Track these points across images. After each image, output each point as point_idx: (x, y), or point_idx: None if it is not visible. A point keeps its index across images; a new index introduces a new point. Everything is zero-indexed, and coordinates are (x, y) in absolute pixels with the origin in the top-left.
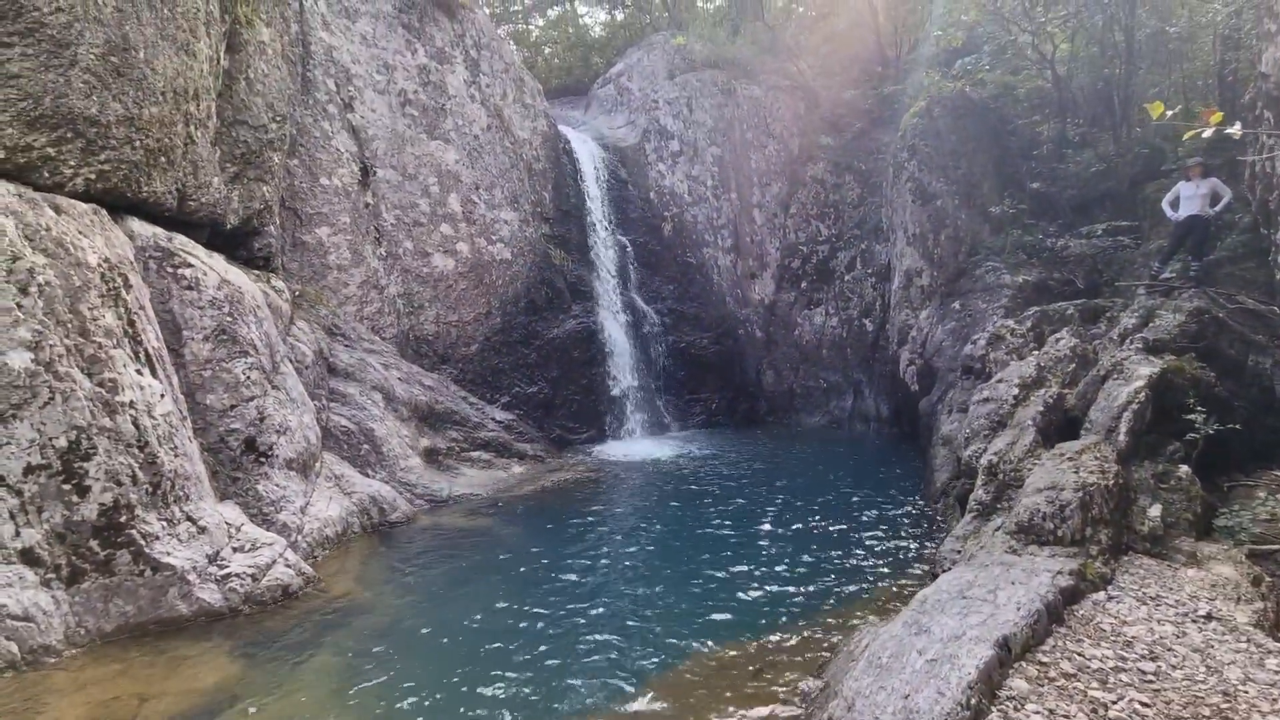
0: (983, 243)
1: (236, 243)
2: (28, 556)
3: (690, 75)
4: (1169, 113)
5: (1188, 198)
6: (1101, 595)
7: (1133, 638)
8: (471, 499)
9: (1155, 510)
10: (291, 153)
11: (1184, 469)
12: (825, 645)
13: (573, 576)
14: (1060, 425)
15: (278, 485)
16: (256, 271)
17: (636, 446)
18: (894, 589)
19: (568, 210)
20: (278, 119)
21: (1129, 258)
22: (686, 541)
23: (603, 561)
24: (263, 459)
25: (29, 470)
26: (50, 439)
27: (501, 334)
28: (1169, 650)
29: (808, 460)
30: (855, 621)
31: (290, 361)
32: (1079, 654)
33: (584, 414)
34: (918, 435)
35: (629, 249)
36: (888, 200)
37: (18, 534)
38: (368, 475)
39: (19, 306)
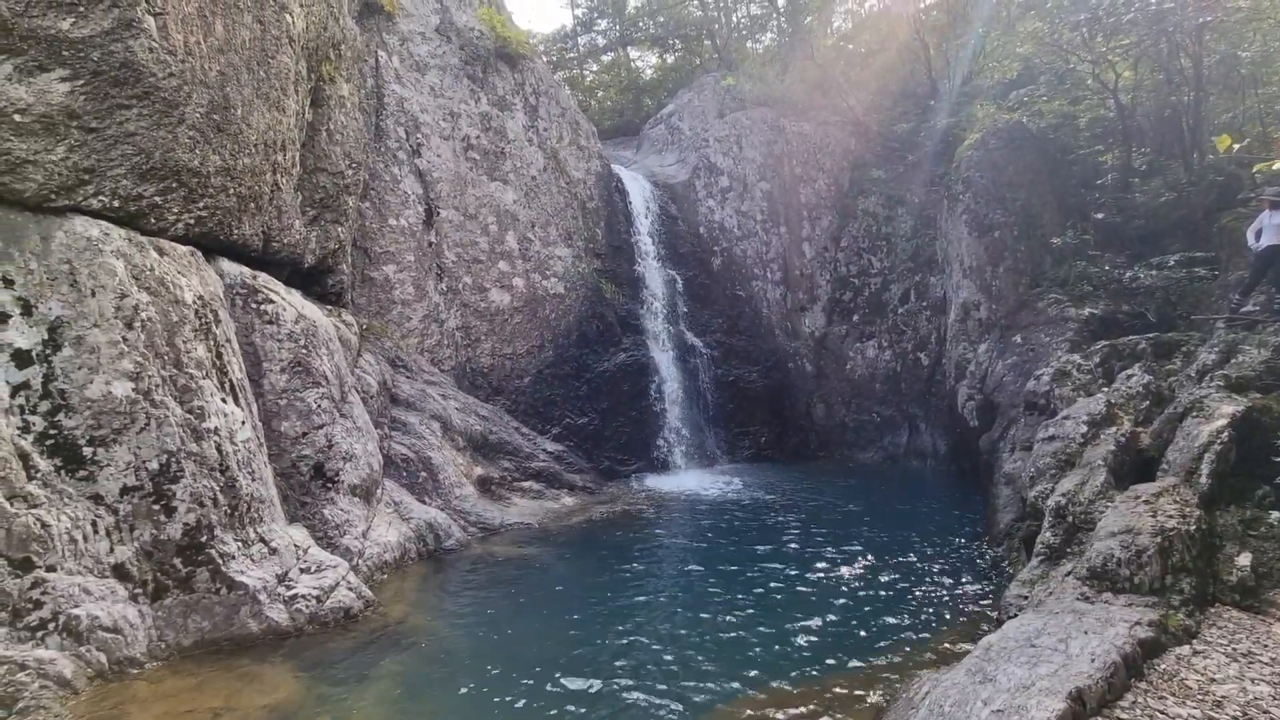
0: (1044, 275)
1: (312, 280)
2: (119, 572)
3: (740, 114)
4: (1236, 146)
5: (1269, 227)
6: (1186, 649)
7: (1223, 697)
8: (522, 529)
9: (1245, 559)
10: (363, 196)
11: (1275, 515)
12: (883, 691)
13: (621, 610)
14: (1133, 466)
15: (342, 510)
16: (329, 306)
17: (685, 479)
18: (954, 634)
19: (619, 246)
20: (354, 166)
21: (1205, 290)
22: (736, 578)
23: (651, 597)
24: (329, 484)
25: (125, 491)
26: (144, 462)
27: (553, 366)
28: (1265, 713)
29: (861, 496)
30: (914, 667)
31: (357, 392)
32: (1162, 712)
33: (633, 446)
34: (977, 473)
35: (678, 283)
36: (942, 233)
37: (112, 550)
38: (424, 502)
39: (124, 340)
